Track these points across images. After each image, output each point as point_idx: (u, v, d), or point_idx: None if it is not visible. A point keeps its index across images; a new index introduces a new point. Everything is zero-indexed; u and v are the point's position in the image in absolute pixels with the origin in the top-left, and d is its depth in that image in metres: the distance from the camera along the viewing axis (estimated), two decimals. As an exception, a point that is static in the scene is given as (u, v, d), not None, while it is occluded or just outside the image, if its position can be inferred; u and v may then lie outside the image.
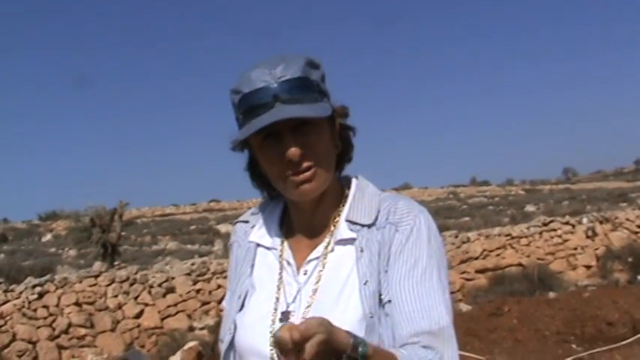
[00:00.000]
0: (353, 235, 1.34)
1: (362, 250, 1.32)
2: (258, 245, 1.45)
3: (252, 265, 1.44)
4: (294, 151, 1.27)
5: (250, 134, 1.27)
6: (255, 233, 1.47)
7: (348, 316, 1.25)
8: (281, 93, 1.27)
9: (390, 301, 1.27)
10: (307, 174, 1.29)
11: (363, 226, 1.34)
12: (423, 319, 1.23)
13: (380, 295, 1.28)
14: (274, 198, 1.48)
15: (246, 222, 1.51)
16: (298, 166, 1.29)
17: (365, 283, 1.28)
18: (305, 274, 1.36)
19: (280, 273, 1.39)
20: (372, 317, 1.25)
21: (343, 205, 1.40)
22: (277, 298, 1.36)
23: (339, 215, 1.39)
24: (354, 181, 1.43)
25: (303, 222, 1.41)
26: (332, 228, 1.38)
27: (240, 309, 1.40)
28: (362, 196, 1.39)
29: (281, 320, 1.32)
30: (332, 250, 1.35)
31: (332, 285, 1.31)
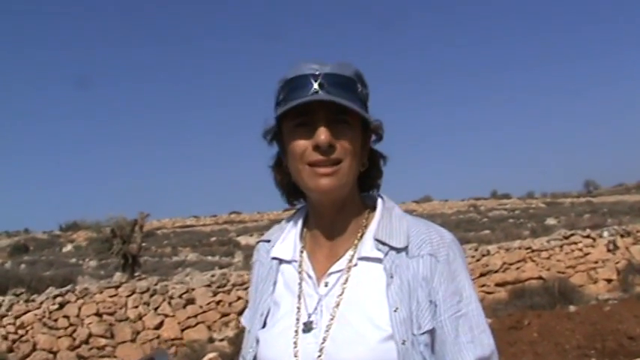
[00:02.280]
0: (379, 255, 1.33)
1: (392, 277, 1.30)
2: (280, 262, 1.45)
3: (275, 283, 1.43)
4: (324, 138, 1.27)
5: (285, 110, 1.29)
6: (276, 248, 1.46)
7: (374, 336, 1.26)
8: (325, 82, 1.28)
9: (432, 330, 1.29)
10: (329, 169, 1.29)
11: (392, 248, 1.33)
12: (477, 348, 1.30)
13: (412, 321, 1.28)
14: (294, 205, 1.48)
15: (268, 241, 1.51)
16: (324, 154, 1.29)
17: (395, 310, 1.28)
18: (326, 285, 1.35)
19: (300, 284, 1.39)
20: (404, 344, 1.25)
21: (367, 221, 1.39)
22: (298, 308, 1.36)
23: (362, 230, 1.38)
24: (379, 201, 1.43)
25: (323, 231, 1.40)
26: (355, 242, 1.37)
27: (263, 326, 1.40)
28: (389, 216, 1.38)
29: (304, 331, 1.32)
30: (355, 265, 1.34)
31: (357, 301, 1.31)
